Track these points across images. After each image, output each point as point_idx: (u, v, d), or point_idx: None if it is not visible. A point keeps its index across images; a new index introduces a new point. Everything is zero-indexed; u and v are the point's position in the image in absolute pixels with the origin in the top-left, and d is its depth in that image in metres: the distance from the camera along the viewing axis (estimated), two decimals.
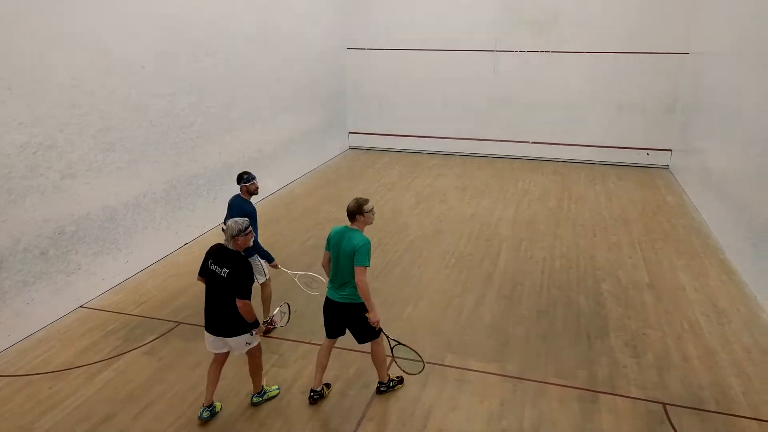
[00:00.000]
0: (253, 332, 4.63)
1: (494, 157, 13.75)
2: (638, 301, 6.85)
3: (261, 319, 5.59)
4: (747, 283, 7.23)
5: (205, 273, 4.73)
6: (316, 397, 5.03)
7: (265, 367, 5.48)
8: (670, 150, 12.68)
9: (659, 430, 4.72)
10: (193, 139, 8.51)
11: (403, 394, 5.15)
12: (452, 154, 14.06)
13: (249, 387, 5.11)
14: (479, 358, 5.70)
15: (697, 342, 5.98)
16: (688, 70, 11.87)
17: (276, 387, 5.20)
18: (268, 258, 5.92)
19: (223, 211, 6.10)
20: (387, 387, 5.17)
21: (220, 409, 4.94)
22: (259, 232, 6.01)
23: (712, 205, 9.20)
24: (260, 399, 5.05)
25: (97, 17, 6.62)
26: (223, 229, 4.64)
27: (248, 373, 4.98)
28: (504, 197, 10.79)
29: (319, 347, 5.16)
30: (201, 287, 7.06)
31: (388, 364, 5.19)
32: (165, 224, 8.00)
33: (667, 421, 4.82)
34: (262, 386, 5.06)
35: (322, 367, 5.04)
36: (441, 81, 13.77)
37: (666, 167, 12.84)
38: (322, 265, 4.98)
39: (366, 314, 4.73)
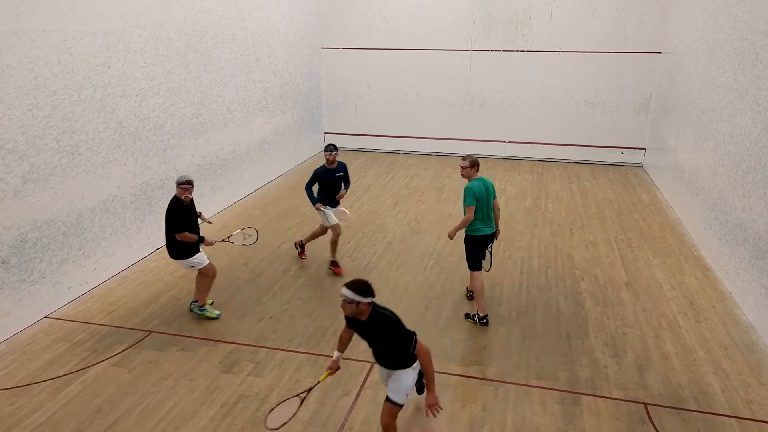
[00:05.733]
0: (201, 247, 6.17)
1: None
2: (616, 299, 6.85)
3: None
4: (722, 281, 7.30)
5: None
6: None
7: (241, 376, 5.34)
8: (644, 148, 12.83)
9: (641, 431, 4.70)
10: (164, 141, 8.26)
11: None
12: (428, 154, 14.00)
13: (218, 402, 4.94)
14: (459, 361, 5.61)
15: (675, 340, 6.00)
16: (661, 69, 12.01)
17: (218, 312, 6.38)
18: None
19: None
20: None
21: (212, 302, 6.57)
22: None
23: (686, 202, 9.30)
24: (194, 308, 6.38)
25: (58, 14, 6.34)
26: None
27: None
28: None
29: (296, 353, 5.04)
30: (174, 294, 6.92)
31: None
32: (135, 229, 7.74)
33: (649, 422, 4.80)
34: (205, 302, 6.36)
35: (483, 294, 6.29)
36: (417, 80, 13.70)
37: (640, 165, 12.97)
38: (479, 219, 6.07)
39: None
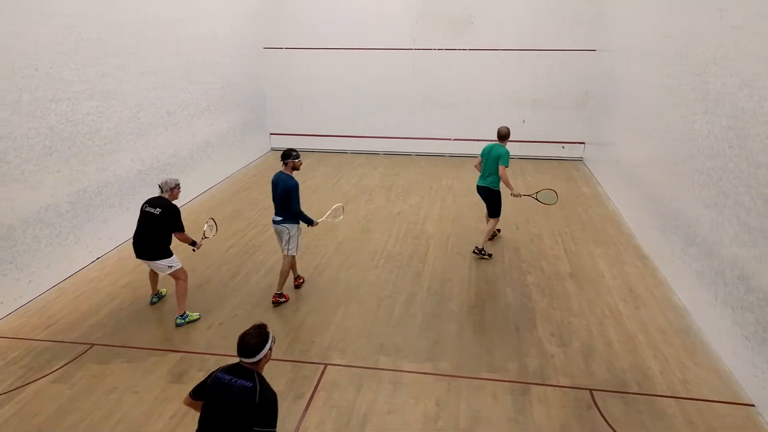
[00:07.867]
0: (194, 249, 6.27)
1: (417, 154, 13.86)
2: (561, 290, 7.08)
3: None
4: (658, 268, 7.66)
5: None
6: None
7: (191, 386, 5.17)
8: (583, 143, 13.30)
9: (587, 416, 4.88)
10: (101, 146, 7.93)
11: (337, 401, 5.02)
12: (376, 153, 14.04)
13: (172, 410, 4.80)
14: (412, 358, 5.66)
15: (617, 327, 6.25)
16: (596, 66, 12.48)
17: (197, 314, 6.35)
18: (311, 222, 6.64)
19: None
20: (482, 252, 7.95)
21: (165, 293, 6.83)
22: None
23: (623, 194, 9.70)
24: (183, 321, 6.20)
25: None
26: (160, 185, 6.15)
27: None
28: (429, 194, 10.88)
29: None
30: (116, 304, 6.65)
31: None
32: (72, 239, 7.40)
33: (594, 407, 4.98)
34: (185, 311, 6.25)
35: (488, 234, 8.11)
36: (362, 80, 13.71)
37: (580, 159, 13.45)
38: (475, 166, 8.28)
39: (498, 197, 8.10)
